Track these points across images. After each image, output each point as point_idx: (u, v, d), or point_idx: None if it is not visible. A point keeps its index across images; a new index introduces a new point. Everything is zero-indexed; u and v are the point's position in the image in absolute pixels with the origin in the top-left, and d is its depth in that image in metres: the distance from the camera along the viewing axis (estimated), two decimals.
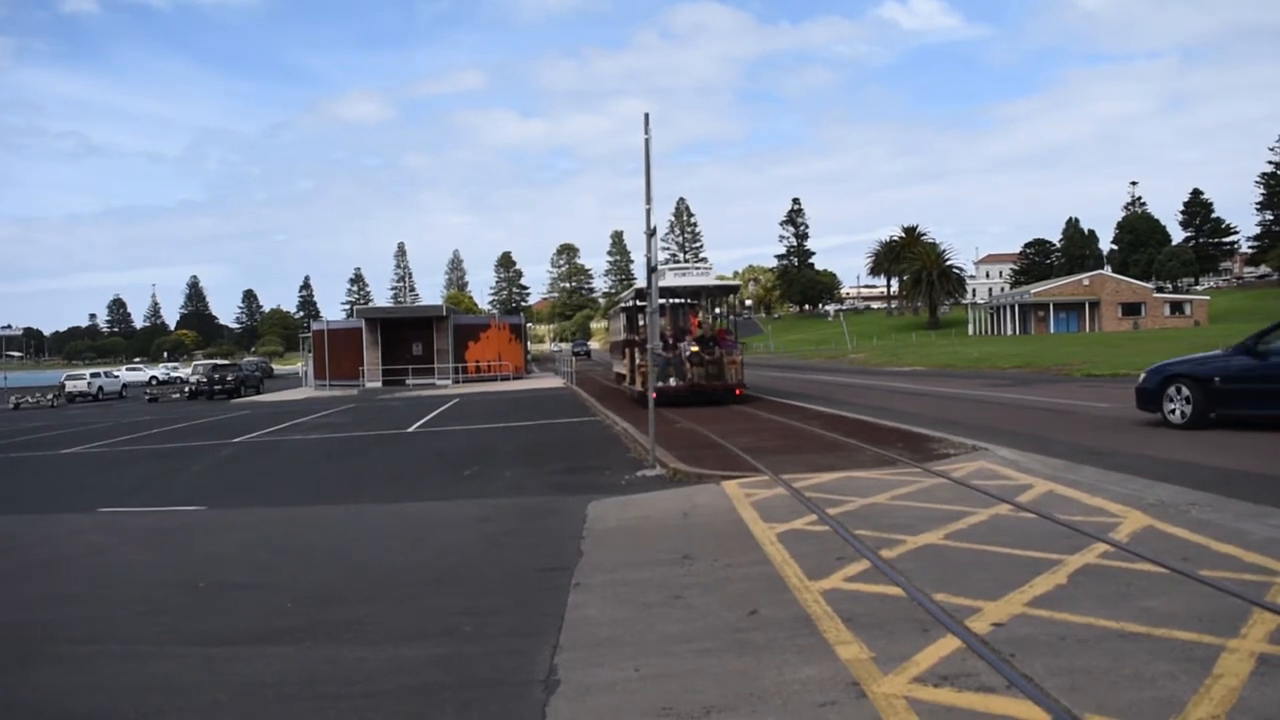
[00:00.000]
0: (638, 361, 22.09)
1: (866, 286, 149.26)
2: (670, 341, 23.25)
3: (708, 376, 22.67)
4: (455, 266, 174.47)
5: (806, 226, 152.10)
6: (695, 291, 26.93)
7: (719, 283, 26.87)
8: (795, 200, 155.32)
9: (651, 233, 12.83)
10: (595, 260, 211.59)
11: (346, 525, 10.33)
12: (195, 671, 5.35)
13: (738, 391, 22.80)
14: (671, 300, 27.52)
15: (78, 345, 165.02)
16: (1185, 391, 14.06)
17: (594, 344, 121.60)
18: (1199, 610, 5.32)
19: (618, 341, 32.93)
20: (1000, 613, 5.48)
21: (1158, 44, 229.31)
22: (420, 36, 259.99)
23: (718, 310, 29.40)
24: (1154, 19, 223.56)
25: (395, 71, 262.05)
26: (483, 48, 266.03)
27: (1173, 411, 14.26)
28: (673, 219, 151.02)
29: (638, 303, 26.91)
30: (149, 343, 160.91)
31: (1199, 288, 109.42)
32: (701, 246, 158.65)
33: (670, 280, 24.68)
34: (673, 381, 22.38)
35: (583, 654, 5.29)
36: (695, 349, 22.94)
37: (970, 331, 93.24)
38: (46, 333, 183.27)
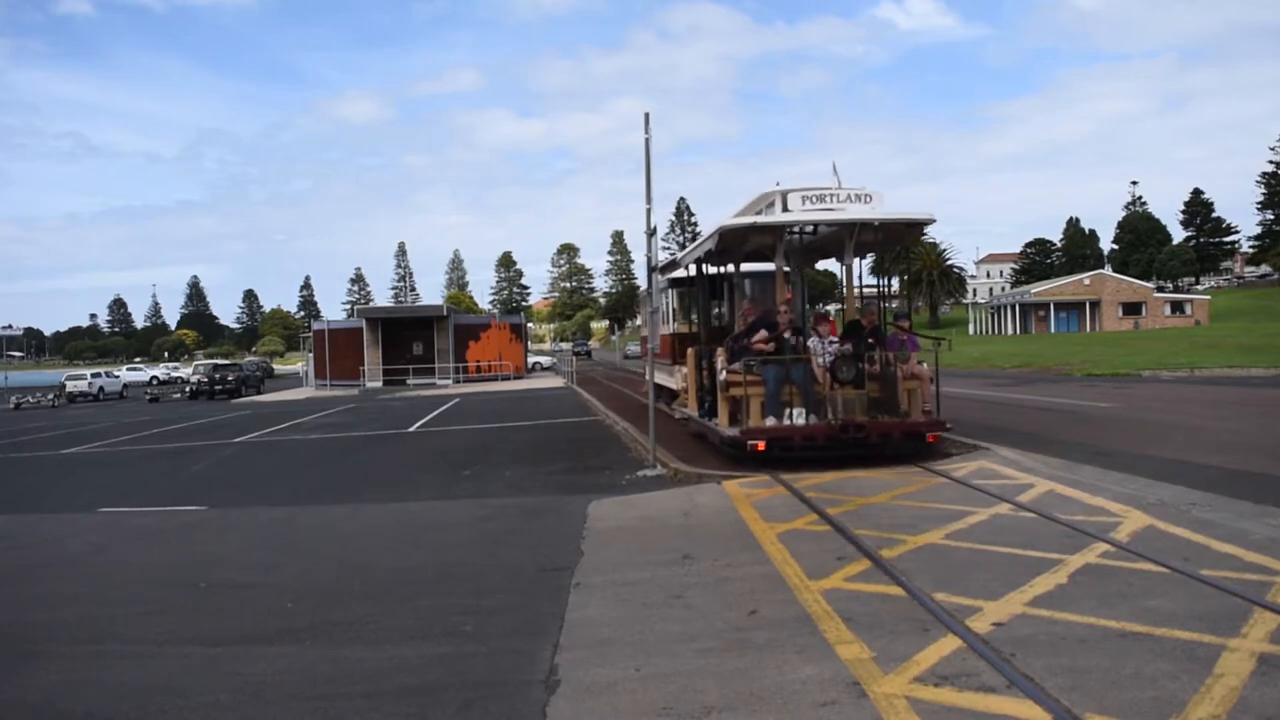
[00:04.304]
0: (720, 371, 12.50)
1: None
2: (791, 339, 12.26)
3: (871, 405, 11.94)
4: (455, 266, 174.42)
5: None
6: (837, 240, 14.03)
7: (894, 217, 13.03)
8: None
9: (652, 232, 12.82)
10: (595, 260, 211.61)
11: (347, 525, 10.32)
12: (196, 671, 5.36)
13: (930, 438, 12.00)
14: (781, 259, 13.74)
15: (78, 345, 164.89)
16: None
17: (594, 343, 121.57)
18: (1200, 610, 5.32)
19: (669, 335, 19.89)
20: (1001, 612, 5.48)
21: (1155, 43, 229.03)
22: (417, 37, 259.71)
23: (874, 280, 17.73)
24: (1151, 18, 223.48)
25: (392, 72, 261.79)
26: (479, 48, 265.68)
27: None
28: (673, 219, 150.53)
29: (708, 267, 15.80)
30: (149, 343, 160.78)
31: (1199, 287, 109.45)
32: None
33: (797, 212, 12.86)
34: (796, 415, 11.75)
35: (583, 654, 5.29)
36: (844, 348, 12.01)
37: (971, 331, 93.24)
38: (47, 333, 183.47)
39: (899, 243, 14.55)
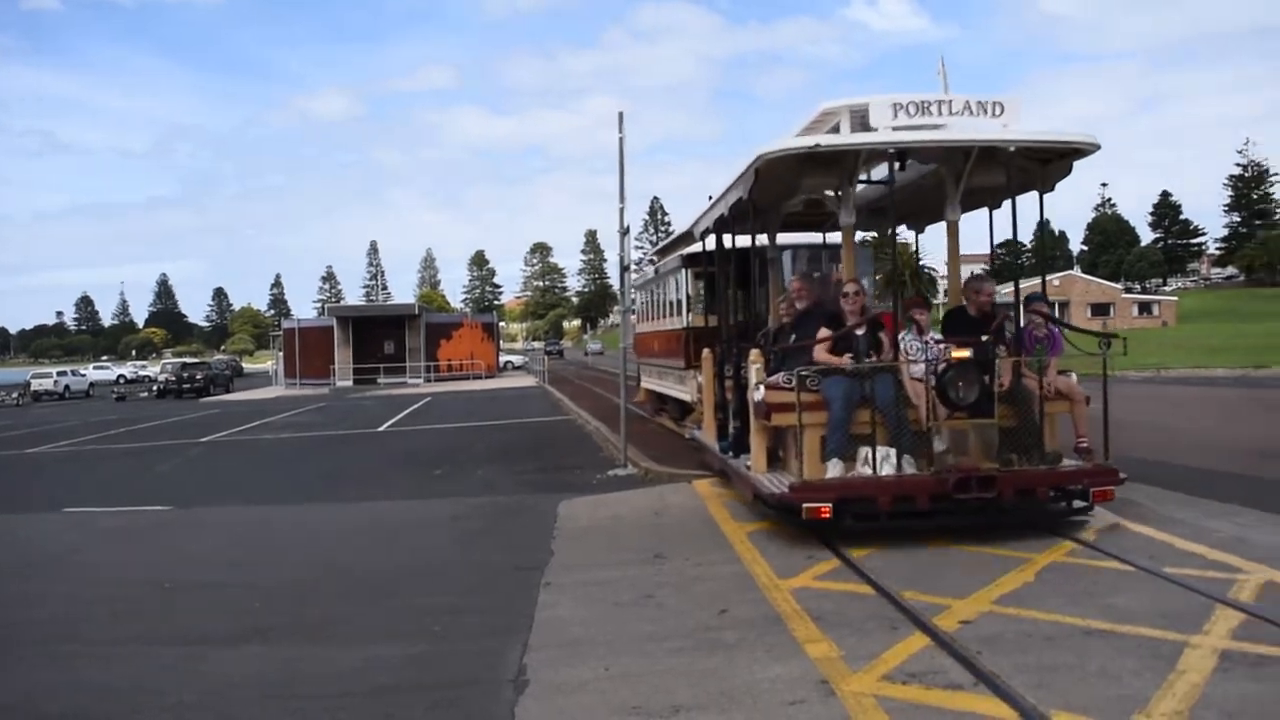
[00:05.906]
0: (756, 387, 8.37)
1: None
2: (868, 337, 8.26)
3: (1001, 443, 7.70)
4: (428, 265, 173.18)
5: None
6: (930, 187, 9.80)
7: (1041, 139, 8.36)
8: None
9: (625, 232, 12.80)
10: (569, 259, 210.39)
11: (317, 524, 10.24)
12: (167, 671, 5.30)
13: (1098, 495, 7.41)
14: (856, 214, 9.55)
15: (44, 343, 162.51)
16: None
17: (567, 343, 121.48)
18: (1164, 608, 5.40)
19: (676, 332, 15.36)
20: (968, 610, 5.53)
21: (1125, 45, 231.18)
22: (389, 33, 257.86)
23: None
24: (1119, 21, 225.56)
25: (364, 68, 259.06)
26: (451, 45, 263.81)
27: None
28: (646, 218, 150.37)
29: (735, 235, 10.95)
30: (117, 341, 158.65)
31: (1167, 288, 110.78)
32: None
33: (883, 131, 8.03)
34: (881, 460, 7.39)
35: (553, 653, 5.28)
36: (961, 354, 7.45)
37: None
38: (12, 330, 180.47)
39: (1034, 186, 8.91)
